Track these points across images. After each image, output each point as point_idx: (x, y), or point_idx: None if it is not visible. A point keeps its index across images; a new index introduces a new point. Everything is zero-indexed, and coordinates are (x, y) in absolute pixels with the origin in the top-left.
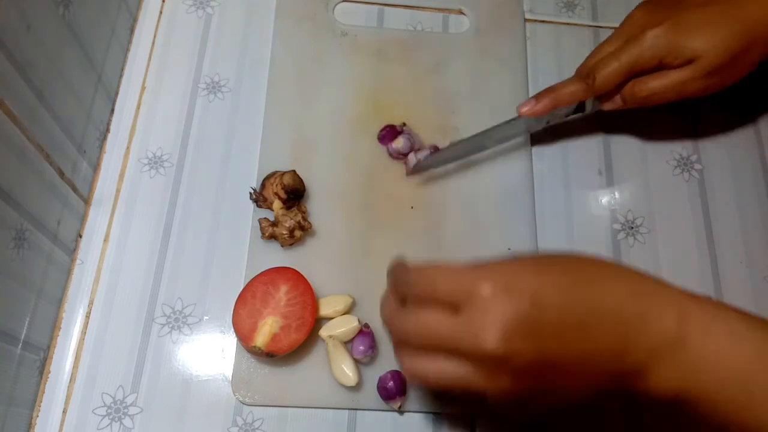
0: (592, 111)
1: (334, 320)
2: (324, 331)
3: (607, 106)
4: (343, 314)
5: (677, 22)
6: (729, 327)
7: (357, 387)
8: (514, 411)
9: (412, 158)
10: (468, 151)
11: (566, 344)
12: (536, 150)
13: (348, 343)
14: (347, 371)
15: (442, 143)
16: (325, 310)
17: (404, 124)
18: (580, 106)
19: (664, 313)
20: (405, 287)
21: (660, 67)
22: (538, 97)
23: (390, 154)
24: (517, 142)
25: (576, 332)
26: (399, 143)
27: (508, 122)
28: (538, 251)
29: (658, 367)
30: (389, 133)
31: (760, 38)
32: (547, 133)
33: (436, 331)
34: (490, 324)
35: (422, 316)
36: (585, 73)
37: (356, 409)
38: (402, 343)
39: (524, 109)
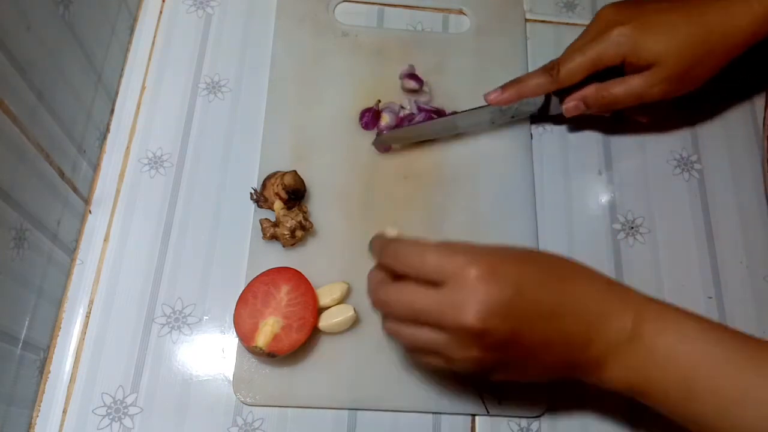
0: (555, 113)
1: (330, 309)
2: (321, 322)
3: (570, 112)
4: (339, 303)
5: (642, 22)
6: (680, 329)
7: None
8: (477, 375)
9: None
10: (434, 132)
11: (536, 331)
12: (536, 150)
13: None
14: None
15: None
16: (323, 300)
17: (379, 101)
18: (545, 108)
19: (624, 314)
20: (392, 260)
21: (623, 65)
22: (505, 87)
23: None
24: (518, 142)
25: (547, 322)
26: (386, 120)
27: (475, 109)
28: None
29: (614, 360)
30: (370, 116)
31: (718, 47)
32: (547, 133)
33: (420, 303)
34: (474, 302)
35: (408, 289)
36: (550, 65)
37: (356, 409)
38: (388, 314)
39: (491, 97)
